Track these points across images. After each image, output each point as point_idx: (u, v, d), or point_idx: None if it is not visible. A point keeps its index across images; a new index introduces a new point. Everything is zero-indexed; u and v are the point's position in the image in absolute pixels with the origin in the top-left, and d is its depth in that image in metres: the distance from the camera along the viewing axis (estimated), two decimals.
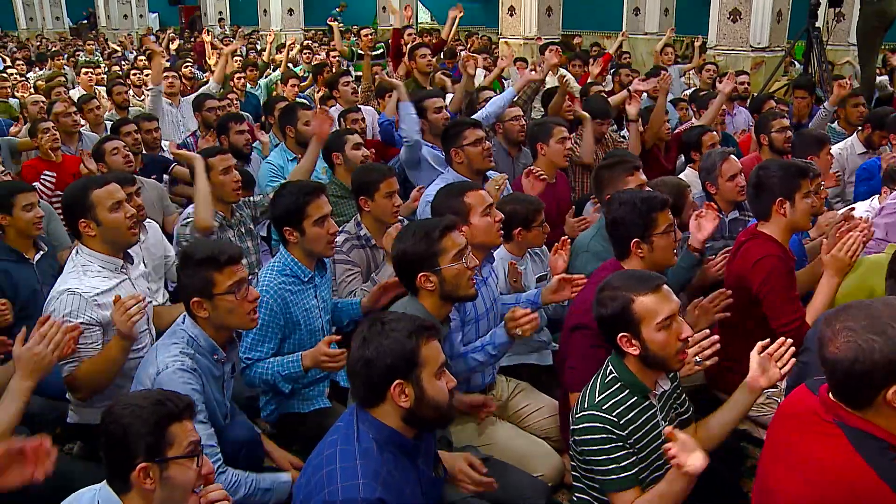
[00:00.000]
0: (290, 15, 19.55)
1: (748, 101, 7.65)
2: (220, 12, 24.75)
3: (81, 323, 2.87)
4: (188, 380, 2.58)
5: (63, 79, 9.46)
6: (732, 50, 10.30)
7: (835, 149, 5.49)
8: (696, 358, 2.56)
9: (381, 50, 9.90)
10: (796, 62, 10.76)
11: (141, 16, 26.51)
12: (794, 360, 2.48)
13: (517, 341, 2.95)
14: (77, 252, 3.11)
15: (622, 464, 2.28)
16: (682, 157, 5.79)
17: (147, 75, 9.66)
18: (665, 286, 2.36)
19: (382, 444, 2.06)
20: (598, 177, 3.91)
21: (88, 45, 16.94)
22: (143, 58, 13.19)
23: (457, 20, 8.71)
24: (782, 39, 10.43)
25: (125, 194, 3.23)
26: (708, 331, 2.64)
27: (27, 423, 2.88)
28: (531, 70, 6.17)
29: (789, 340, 2.48)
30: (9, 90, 9.09)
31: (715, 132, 5.36)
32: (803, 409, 1.96)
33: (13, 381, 2.54)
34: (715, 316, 3.10)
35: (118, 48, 16.15)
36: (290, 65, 10.11)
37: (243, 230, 4.13)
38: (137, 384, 2.67)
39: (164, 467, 1.97)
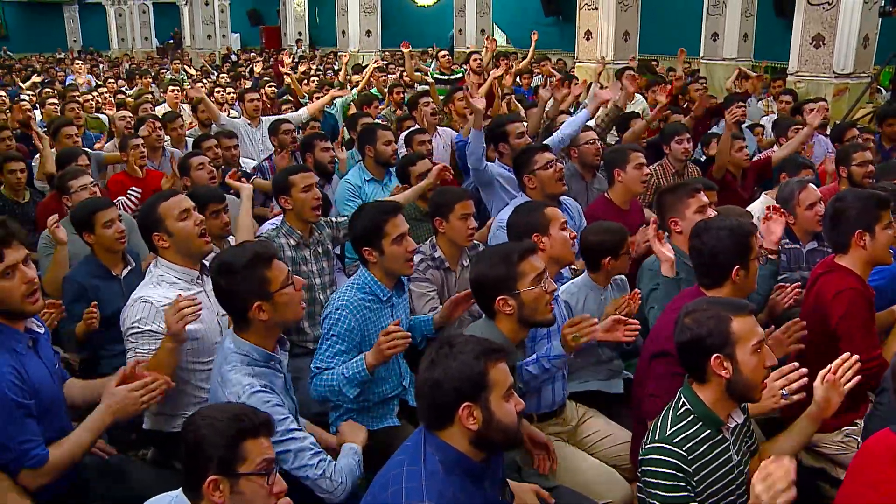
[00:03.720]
0: (368, 36, 19.83)
1: (827, 128, 7.44)
2: (300, 33, 25.34)
3: (149, 330, 2.97)
4: (266, 399, 2.51)
5: (150, 96, 9.82)
6: (815, 76, 9.98)
7: None
8: (783, 391, 2.51)
9: (461, 74, 9.94)
10: (882, 89, 10.41)
11: (223, 36, 27.32)
12: (857, 377, 2.41)
13: (579, 360, 2.89)
14: (156, 264, 3.22)
15: None
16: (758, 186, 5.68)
17: (229, 93, 10.00)
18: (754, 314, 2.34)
19: (449, 467, 2.05)
20: (661, 202, 3.87)
21: (175, 63, 17.52)
22: (224, 75, 13.63)
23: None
24: (868, 65, 10.06)
25: (193, 205, 3.29)
26: (797, 363, 2.59)
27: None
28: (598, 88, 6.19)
29: (855, 357, 2.42)
30: (92, 104, 9.50)
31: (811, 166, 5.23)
32: (884, 449, 1.91)
33: (97, 412, 2.60)
34: (789, 347, 3.02)
35: (195, 71, 16.57)
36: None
37: (320, 250, 4.14)
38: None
39: (234, 482, 1.98)
